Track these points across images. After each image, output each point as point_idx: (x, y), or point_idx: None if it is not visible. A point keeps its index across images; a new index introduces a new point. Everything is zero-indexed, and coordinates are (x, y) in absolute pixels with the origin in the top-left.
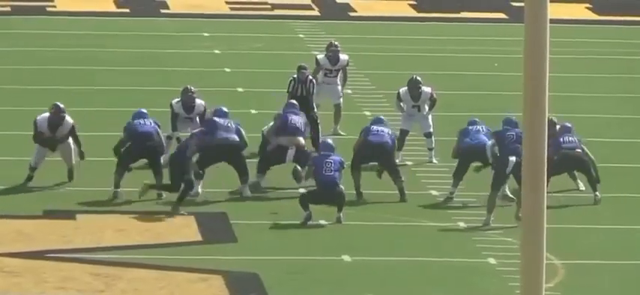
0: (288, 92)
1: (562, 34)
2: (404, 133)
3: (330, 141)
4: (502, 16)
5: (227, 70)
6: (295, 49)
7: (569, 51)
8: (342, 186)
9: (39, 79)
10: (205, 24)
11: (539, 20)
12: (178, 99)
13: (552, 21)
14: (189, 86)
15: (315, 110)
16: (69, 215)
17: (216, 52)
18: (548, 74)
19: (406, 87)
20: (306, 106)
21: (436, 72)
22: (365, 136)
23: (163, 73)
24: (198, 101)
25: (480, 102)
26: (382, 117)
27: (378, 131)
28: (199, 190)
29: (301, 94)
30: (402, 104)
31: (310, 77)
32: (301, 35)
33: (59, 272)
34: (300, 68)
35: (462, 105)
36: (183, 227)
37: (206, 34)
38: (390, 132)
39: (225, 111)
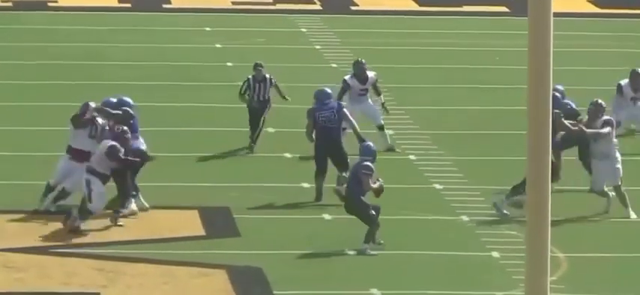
0: (240, 94)
1: (564, 27)
2: (617, 125)
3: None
4: (504, 9)
5: (229, 64)
6: (297, 44)
7: (571, 44)
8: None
9: (40, 75)
10: (207, 18)
11: (544, 14)
12: (350, 75)
13: (554, 14)
14: (359, 58)
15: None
16: (67, 210)
17: (218, 46)
18: (552, 67)
19: (628, 80)
20: (261, 110)
21: (438, 66)
22: None
23: (165, 67)
24: (369, 72)
25: (482, 96)
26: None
27: None
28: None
29: (259, 97)
30: (621, 97)
31: (268, 76)
32: (303, 29)
33: (63, 267)
34: (256, 66)
35: (463, 98)
36: (187, 222)
37: (208, 29)
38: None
39: (328, 93)
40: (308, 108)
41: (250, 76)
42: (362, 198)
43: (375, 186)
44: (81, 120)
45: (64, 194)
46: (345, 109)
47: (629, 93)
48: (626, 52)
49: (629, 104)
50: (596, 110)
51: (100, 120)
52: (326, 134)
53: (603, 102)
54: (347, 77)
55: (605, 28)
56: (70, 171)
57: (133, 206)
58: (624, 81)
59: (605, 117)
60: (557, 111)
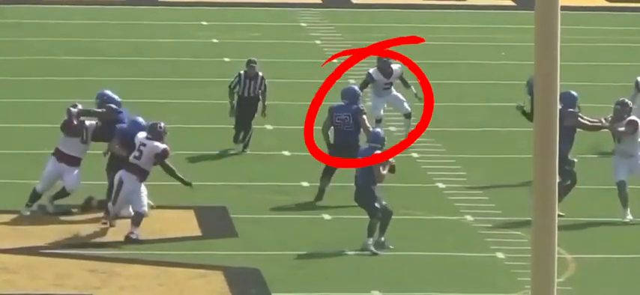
0: (230, 89)
1: (572, 21)
2: None
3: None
4: (509, 2)
5: (226, 59)
6: (297, 38)
7: (581, 39)
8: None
9: (33, 70)
10: (204, 12)
11: (551, 8)
12: (375, 68)
13: (563, 8)
14: None
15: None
16: (65, 210)
17: (215, 41)
18: (559, 63)
19: None
20: (251, 108)
21: (441, 61)
22: None
23: (160, 63)
24: (394, 65)
25: (487, 91)
26: None
27: None
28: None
29: (249, 94)
30: (638, 93)
31: (261, 74)
32: (303, 24)
33: (55, 268)
34: (249, 62)
35: (468, 94)
36: (182, 222)
37: (204, 23)
38: None
39: (351, 92)
40: (330, 106)
41: (242, 72)
42: (373, 187)
43: (385, 171)
44: (72, 127)
45: (63, 193)
46: (364, 116)
47: None
48: (636, 48)
49: None
50: (622, 109)
51: (87, 123)
52: (341, 136)
53: (630, 102)
54: (371, 70)
55: (615, 23)
56: (58, 175)
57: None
58: None
59: (630, 118)
60: (572, 110)
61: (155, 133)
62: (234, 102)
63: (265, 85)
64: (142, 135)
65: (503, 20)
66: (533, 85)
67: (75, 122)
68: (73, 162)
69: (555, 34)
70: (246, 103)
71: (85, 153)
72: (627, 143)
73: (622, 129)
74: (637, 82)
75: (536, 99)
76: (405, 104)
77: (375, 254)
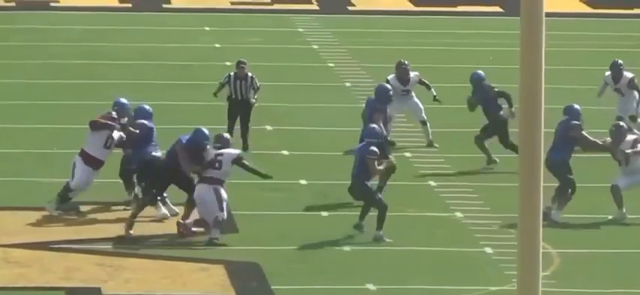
0: (219, 84)
1: (556, 27)
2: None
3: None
4: (498, 9)
5: (228, 63)
6: (295, 43)
7: (563, 44)
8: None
9: (43, 74)
10: (207, 18)
11: (536, 14)
12: (393, 75)
13: (547, 14)
14: (402, 60)
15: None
16: (73, 206)
17: (217, 45)
18: (543, 66)
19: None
20: (244, 109)
21: (433, 65)
22: None
23: (165, 67)
24: (412, 73)
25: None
26: None
27: None
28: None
29: (239, 96)
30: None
31: (251, 74)
32: (300, 29)
33: (64, 262)
34: (239, 63)
35: (458, 98)
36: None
37: (207, 29)
38: None
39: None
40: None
41: (232, 73)
42: (367, 183)
43: (381, 167)
44: (99, 123)
45: (67, 189)
46: (378, 114)
47: (612, 85)
48: (618, 52)
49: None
50: (617, 130)
51: (115, 133)
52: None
53: (624, 125)
54: (390, 77)
55: (597, 28)
56: (89, 177)
57: (164, 210)
58: (606, 73)
59: (633, 137)
60: (576, 123)
61: (224, 142)
62: (216, 93)
63: (256, 85)
64: (210, 148)
65: (492, 26)
66: (520, 88)
67: (112, 122)
68: (95, 163)
69: (540, 38)
70: (238, 105)
71: (106, 157)
72: (633, 163)
73: (631, 150)
74: (605, 77)
75: (521, 103)
76: (423, 113)
77: (386, 241)
